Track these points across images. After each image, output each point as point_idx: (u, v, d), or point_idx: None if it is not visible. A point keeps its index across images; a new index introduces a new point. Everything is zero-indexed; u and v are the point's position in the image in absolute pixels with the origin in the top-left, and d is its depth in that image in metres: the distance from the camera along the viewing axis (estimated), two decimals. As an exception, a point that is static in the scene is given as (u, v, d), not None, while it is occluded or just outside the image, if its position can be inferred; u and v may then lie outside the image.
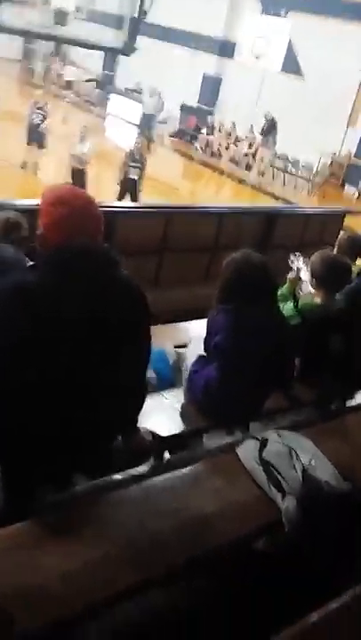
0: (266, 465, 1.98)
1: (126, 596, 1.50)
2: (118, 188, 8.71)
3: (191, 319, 3.53)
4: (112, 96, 18.15)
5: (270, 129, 13.91)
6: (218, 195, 13.38)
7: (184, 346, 2.95)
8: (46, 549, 1.50)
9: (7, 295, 1.63)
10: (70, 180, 8.49)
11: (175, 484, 1.88)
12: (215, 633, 1.81)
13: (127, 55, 6.34)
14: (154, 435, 2.12)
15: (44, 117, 10.42)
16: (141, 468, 2.14)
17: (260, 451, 2.03)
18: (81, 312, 1.62)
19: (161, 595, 1.73)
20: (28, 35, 12.12)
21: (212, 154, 15.72)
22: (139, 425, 2.03)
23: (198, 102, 17.73)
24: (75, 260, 1.64)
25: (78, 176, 8.58)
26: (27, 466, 1.69)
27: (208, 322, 2.35)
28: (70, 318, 1.61)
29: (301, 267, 2.93)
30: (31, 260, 2.48)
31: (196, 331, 2.86)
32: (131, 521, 1.67)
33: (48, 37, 9.00)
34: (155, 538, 1.62)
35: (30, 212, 3.11)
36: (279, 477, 1.93)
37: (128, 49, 6.09)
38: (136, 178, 8.72)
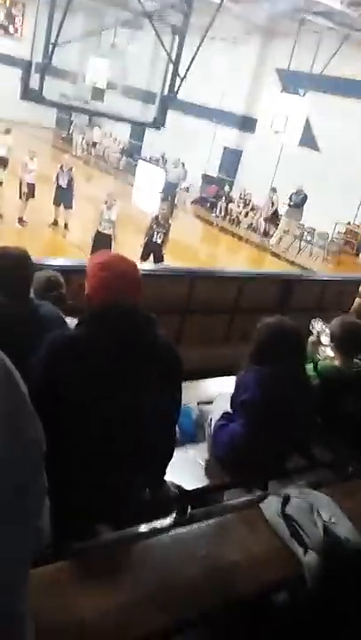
0: (288, 520, 2.05)
1: (160, 636, 1.57)
2: (141, 249, 9.05)
3: (212, 377, 3.66)
4: (140, 163, 18.97)
5: (302, 202, 14.46)
6: (236, 258, 13.74)
7: (206, 402, 3.06)
8: (84, 589, 1.59)
9: (55, 348, 1.78)
10: (92, 243, 8.90)
11: (202, 534, 1.96)
12: None
13: (157, 129, 6.75)
14: (179, 488, 2.20)
15: (71, 180, 11.00)
16: (165, 521, 2.20)
17: (283, 506, 2.11)
18: (120, 367, 1.76)
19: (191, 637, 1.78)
20: (67, 108, 12.90)
21: (231, 220, 16.25)
22: (165, 478, 2.13)
23: (219, 172, 18.50)
24: (119, 317, 1.79)
25: (104, 240, 8.97)
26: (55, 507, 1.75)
27: (237, 379, 2.48)
28: (109, 371, 1.75)
29: (322, 330, 3.08)
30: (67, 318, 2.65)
31: (216, 389, 2.97)
32: (162, 566, 1.75)
33: (85, 111, 9.61)
34: (186, 581, 1.70)
35: (66, 272, 3.34)
36: (301, 532, 2.00)
37: (158, 123, 6.52)
38: (160, 241, 9.07)
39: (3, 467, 0.98)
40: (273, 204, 15.12)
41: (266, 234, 15.17)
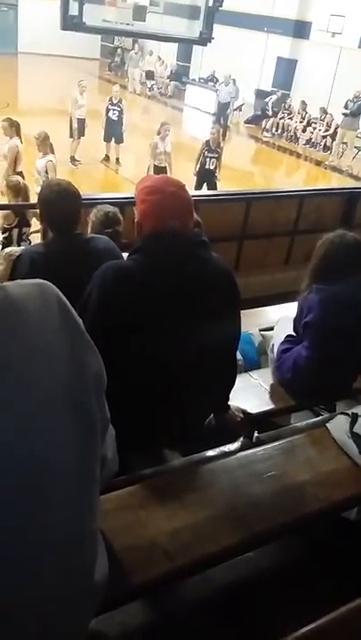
0: (357, 438, 2.02)
1: (228, 555, 1.61)
2: (195, 178, 8.80)
3: (273, 304, 3.59)
4: (188, 87, 18.26)
5: (358, 109, 13.46)
6: (295, 178, 13.18)
7: (268, 329, 3.01)
8: (152, 511, 1.64)
9: (107, 278, 1.75)
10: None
11: (269, 455, 1.97)
12: (305, 594, 1.89)
13: (204, 45, 6.35)
14: (244, 412, 2.20)
15: (121, 113, 10.71)
16: (232, 446, 2.22)
17: (352, 425, 2.08)
18: (174, 290, 1.73)
19: (259, 555, 1.84)
20: (109, 32, 12.38)
21: (289, 137, 15.48)
22: (230, 403, 2.13)
23: (273, 86, 17.48)
24: (166, 242, 1.74)
25: (160, 173, 8.77)
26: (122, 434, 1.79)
27: (299, 301, 2.40)
28: (165, 297, 1.72)
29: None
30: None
31: (279, 314, 2.91)
32: (229, 487, 1.78)
33: (128, 34, 9.18)
34: (253, 502, 1.73)
35: (120, 206, 3.29)
36: (371, 450, 1.97)
37: (205, 39, 6.11)
38: (212, 167, 8.76)
39: (73, 395, 1.00)
40: (328, 124, 14.23)
41: (327, 148, 14.38)
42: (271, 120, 15.98)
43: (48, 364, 0.98)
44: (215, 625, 1.79)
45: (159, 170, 8.84)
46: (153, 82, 19.39)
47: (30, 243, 4.85)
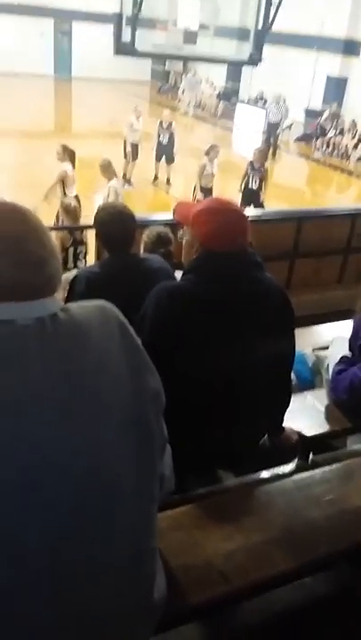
0: None
1: (285, 579, 1.59)
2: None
3: (326, 323, 3.53)
4: (238, 106, 18.37)
5: None
6: (347, 196, 13.01)
7: (322, 349, 2.97)
8: (207, 531, 1.63)
9: (162, 297, 1.76)
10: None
11: (326, 478, 1.93)
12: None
13: (254, 65, 6.42)
14: (300, 434, 2.17)
15: (171, 136, 10.88)
16: (287, 468, 2.19)
17: None
18: (229, 309, 1.73)
19: (315, 581, 1.79)
20: (160, 57, 12.69)
21: (340, 155, 15.34)
22: (284, 424, 2.11)
23: (323, 105, 17.41)
24: (222, 262, 1.75)
25: (206, 194, 8.84)
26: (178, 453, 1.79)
27: (355, 321, 2.37)
28: (220, 316, 1.72)
29: None
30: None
31: (332, 333, 2.86)
32: (286, 510, 1.76)
33: (179, 57, 9.40)
34: (310, 526, 1.69)
35: (171, 227, 3.33)
36: None
37: (255, 60, 6.19)
38: (255, 187, 8.68)
39: (134, 414, 1.02)
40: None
41: (379, 165, 14.18)
42: (322, 138, 15.89)
43: (113, 382, 1.01)
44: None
45: (206, 191, 8.90)
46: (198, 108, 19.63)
47: (86, 262, 4.99)
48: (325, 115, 16.23)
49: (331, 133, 15.82)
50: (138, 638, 1.09)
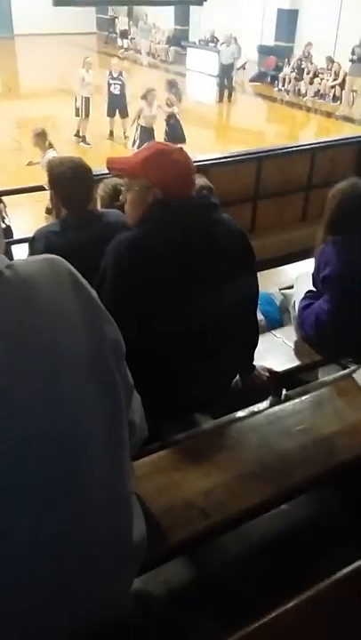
0: (385, 386, 2.02)
1: (263, 508, 1.65)
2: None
3: (292, 262, 3.55)
4: (189, 50, 17.79)
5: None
6: (306, 132, 12.87)
7: (288, 287, 2.99)
8: (185, 472, 1.67)
9: (121, 250, 1.75)
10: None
11: (297, 410, 1.98)
12: (341, 541, 1.92)
13: (200, 5, 6.21)
14: (270, 371, 2.21)
15: (122, 86, 10.52)
16: (261, 405, 2.24)
17: (378, 373, 2.07)
18: (190, 257, 1.73)
19: (293, 507, 1.87)
20: (102, 3, 12.15)
21: (297, 92, 15.06)
22: (255, 364, 2.14)
23: (276, 40, 16.93)
24: (180, 207, 1.74)
25: (147, 133, 9.08)
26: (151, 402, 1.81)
27: (316, 256, 2.38)
28: (180, 264, 1.72)
29: None
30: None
31: (298, 272, 2.88)
32: (260, 444, 1.81)
33: (122, 2, 9.08)
34: (284, 456, 1.75)
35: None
36: None
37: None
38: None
39: (94, 363, 1.02)
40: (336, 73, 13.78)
41: (336, 98, 13.97)
42: (280, 76, 15.55)
43: (69, 334, 1.00)
44: (255, 576, 1.84)
45: (146, 130, 9.16)
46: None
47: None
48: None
49: (286, 70, 15.47)
50: (121, 578, 1.12)
